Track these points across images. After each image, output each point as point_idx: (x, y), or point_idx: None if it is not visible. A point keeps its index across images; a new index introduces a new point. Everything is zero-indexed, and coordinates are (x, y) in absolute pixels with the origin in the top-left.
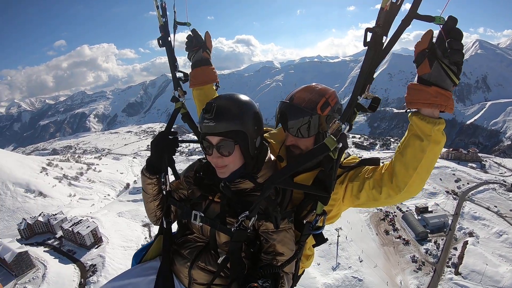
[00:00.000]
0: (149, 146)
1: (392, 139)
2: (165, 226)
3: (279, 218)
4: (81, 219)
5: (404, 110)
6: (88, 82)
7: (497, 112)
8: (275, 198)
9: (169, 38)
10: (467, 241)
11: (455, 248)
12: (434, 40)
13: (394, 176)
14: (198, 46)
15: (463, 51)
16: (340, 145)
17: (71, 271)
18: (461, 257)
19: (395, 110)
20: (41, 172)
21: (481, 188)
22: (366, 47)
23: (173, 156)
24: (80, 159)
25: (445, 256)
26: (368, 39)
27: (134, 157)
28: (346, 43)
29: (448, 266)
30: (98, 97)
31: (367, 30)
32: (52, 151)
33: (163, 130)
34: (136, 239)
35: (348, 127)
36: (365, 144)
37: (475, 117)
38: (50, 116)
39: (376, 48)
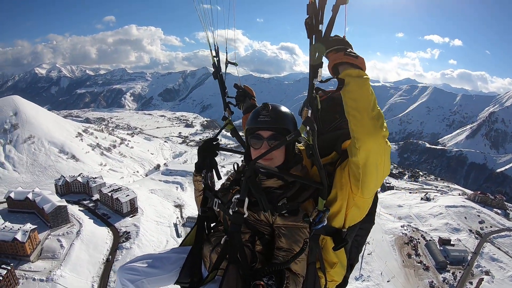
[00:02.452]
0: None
1: (421, 173)
2: (200, 213)
3: (265, 202)
4: (121, 187)
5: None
6: (130, 61)
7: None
8: (278, 195)
9: (220, 73)
10: (483, 278)
11: (471, 283)
12: None
13: (350, 131)
14: (245, 95)
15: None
16: (308, 128)
17: (104, 234)
18: None
19: (427, 145)
20: (76, 136)
21: (503, 233)
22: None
23: (215, 158)
24: (113, 132)
25: (461, 287)
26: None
27: (165, 141)
28: (389, 69)
29: None
30: (137, 77)
31: (305, 21)
32: (85, 120)
33: (209, 137)
34: (169, 216)
35: (310, 110)
36: (393, 172)
37: (506, 167)
38: (87, 86)
39: (313, 35)
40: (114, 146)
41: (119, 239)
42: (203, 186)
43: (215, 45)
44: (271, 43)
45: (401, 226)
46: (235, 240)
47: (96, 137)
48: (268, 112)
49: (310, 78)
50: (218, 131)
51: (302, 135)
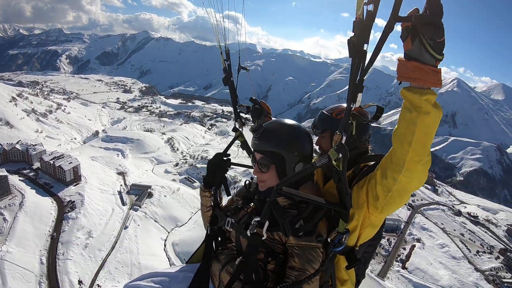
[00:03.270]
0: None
1: None
2: (208, 232)
3: (287, 226)
4: (63, 154)
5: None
6: (67, 20)
7: (457, 148)
8: (294, 216)
9: (231, 78)
10: (415, 245)
11: (404, 248)
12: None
13: (393, 155)
14: (261, 112)
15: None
16: (340, 155)
17: (48, 204)
18: (408, 256)
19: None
20: (10, 101)
21: (432, 206)
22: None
23: (226, 174)
24: (49, 97)
25: (395, 252)
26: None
27: (103, 107)
28: (331, 46)
29: (396, 261)
30: (74, 38)
31: (348, 40)
32: (17, 83)
33: (220, 152)
34: (112, 184)
35: (345, 137)
36: None
37: (436, 148)
38: (21, 47)
39: (357, 57)
40: (51, 112)
41: (64, 209)
42: (211, 203)
43: (226, 47)
44: (214, 11)
45: None
46: (252, 262)
47: (31, 102)
48: (258, 134)
49: (348, 101)
50: (228, 144)
51: (333, 161)
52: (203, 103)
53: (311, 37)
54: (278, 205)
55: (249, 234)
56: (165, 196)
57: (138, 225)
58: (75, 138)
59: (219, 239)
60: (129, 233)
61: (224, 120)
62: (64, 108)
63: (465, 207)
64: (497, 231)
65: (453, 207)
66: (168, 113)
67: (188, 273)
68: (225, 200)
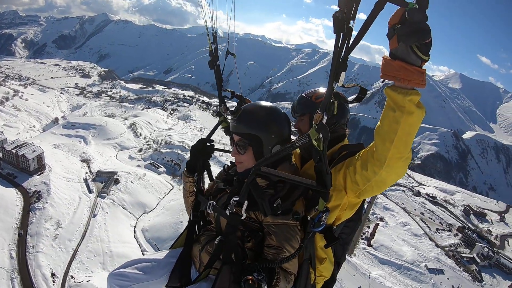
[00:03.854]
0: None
1: None
2: (191, 218)
3: (266, 206)
4: (25, 143)
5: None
6: (22, 2)
7: (416, 134)
8: (272, 195)
9: (217, 62)
10: (378, 223)
11: (368, 227)
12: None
13: (375, 151)
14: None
15: None
16: (321, 135)
17: (13, 195)
18: (373, 234)
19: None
20: None
21: (393, 187)
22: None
23: (209, 160)
24: (4, 83)
25: (360, 231)
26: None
27: (61, 93)
28: (293, 32)
29: (362, 239)
30: (30, 21)
31: (333, 15)
32: None
33: (204, 137)
34: (77, 172)
35: (326, 117)
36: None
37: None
38: None
39: (341, 34)
40: (7, 99)
41: (30, 199)
42: (194, 188)
43: (213, 30)
44: None
45: None
46: (231, 241)
47: None
48: (236, 116)
49: (330, 80)
50: (211, 130)
51: (314, 141)
52: (164, 87)
53: (273, 22)
54: (256, 185)
55: (228, 214)
56: (131, 182)
57: (107, 212)
58: (34, 126)
59: (201, 223)
60: (98, 221)
61: (185, 104)
62: (21, 95)
63: (424, 188)
64: (454, 210)
65: (413, 188)
66: (128, 98)
67: (171, 259)
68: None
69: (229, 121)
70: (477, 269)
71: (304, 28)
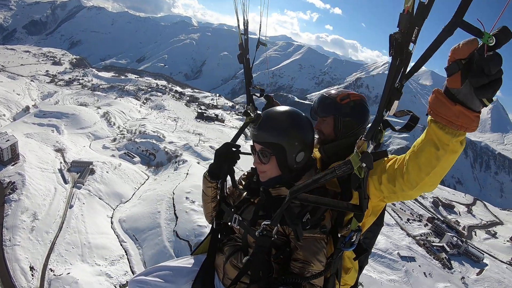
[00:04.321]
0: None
1: None
2: (214, 226)
3: (299, 231)
4: None
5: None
6: None
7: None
8: (300, 210)
9: (247, 56)
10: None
11: None
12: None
13: (406, 174)
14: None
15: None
16: (364, 165)
17: None
18: None
19: (296, 99)
20: None
21: None
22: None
23: (234, 166)
24: None
25: None
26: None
27: (31, 80)
28: (268, 23)
29: None
30: None
31: (391, 36)
32: None
33: (229, 141)
34: (52, 162)
35: (372, 146)
36: None
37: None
38: None
39: (399, 58)
40: None
41: (5, 191)
42: (217, 194)
43: (244, 19)
44: None
45: None
46: (260, 261)
47: None
48: (256, 125)
49: (380, 107)
50: (237, 132)
51: (356, 170)
52: (137, 76)
53: (248, 14)
54: (291, 211)
55: (257, 235)
56: (107, 172)
57: (83, 203)
58: (4, 115)
59: (224, 232)
60: (75, 213)
61: (159, 94)
62: None
63: None
64: (424, 202)
65: None
66: (101, 86)
67: (194, 266)
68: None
69: (251, 129)
70: (447, 257)
71: (279, 20)
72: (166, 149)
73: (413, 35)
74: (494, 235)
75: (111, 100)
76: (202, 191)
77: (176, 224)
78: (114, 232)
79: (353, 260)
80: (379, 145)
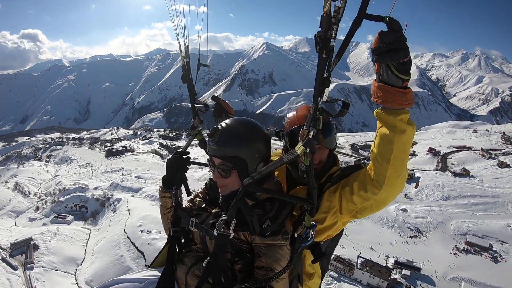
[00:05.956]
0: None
1: (199, 128)
2: (171, 233)
3: (255, 224)
4: None
5: None
6: None
7: (283, 102)
8: (260, 216)
9: (190, 76)
10: None
11: None
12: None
13: (373, 171)
14: (222, 112)
15: (257, 53)
16: (308, 150)
17: None
18: None
19: (190, 105)
20: None
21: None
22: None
23: (186, 173)
24: None
25: None
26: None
27: None
28: (138, 42)
29: None
30: None
31: (316, 35)
32: None
33: (179, 150)
34: None
35: (312, 132)
36: (171, 135)
37: (264, 107)
38: None
39: (324, 53)
40: None
41: None
42: (172, 203)
43: (185, 45)
44: (10, 33)
45: None
46: (220, 262)
47: None
48: (215, 138)
49: (314, 96)
50: (186, 143)
51: (301, 156)
52: (28, 138)
53: (116, 38)
54: (245, 203)
55: (215, 234)
56: (50, 241)
57: (44, 281)
58: None
59: (182, 241)
60: None
61: (58, 147)
62: None
63: None
64: (345, 151)
65: None
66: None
67: (152, 278)
68: (185, 201)
69: (208, 144)
70: None
71: (149, 35)
72: (95, 196)
73: (333, 33)
74: (413, 154)
75: (14, 170)
76: (160, 205)
77: (145, 259)
78: None
79: (311, 263)
80: (319, 131)
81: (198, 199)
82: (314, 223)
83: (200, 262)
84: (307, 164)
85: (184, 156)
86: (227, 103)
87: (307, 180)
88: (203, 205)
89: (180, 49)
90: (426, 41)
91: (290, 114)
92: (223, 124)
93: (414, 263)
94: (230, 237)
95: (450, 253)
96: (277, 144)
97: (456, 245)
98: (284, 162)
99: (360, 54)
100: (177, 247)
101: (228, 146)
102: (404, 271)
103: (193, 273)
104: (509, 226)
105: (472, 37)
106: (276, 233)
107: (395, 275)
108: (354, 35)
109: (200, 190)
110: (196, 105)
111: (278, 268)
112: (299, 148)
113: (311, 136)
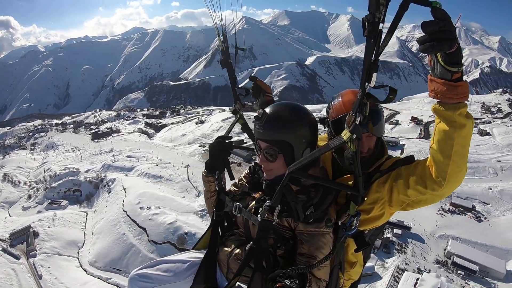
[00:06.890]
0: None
1: (178, 107)
2: (214, 217)
3: (300, 210)
4: None
5: None
6: None
7: (264, 75)
8: (304, 203)
9: (229, 60)
10: None
11: None
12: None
13: (433, 169)
14: (260, 92)
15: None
16: (354, 136)
17: None
18: None
19: (171, 83)
20: None
21: None
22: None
23: (228, 158)
24: None
25: None
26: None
27: None
28: (114, 22)
29: None
30: None
31: (363, 19)
32: None
33: (221, 135)
34: None
35: (359, 118)
36: (155, 114)
37: (246, 81)
38: None
39: (372, 37)
40: None
41: None
42: (216, 187)
43: (222, 29)
44: None
45: None
46: (262, 248)
47: None
48: (262, 122)
49: (362, 81)
50: (229, 127)
51: (347, 142)
52: (9, 128)
53: (91, 19)
54: (290, 189)
55: (259, 219)
56: (49, 227)
57: (49, 267)
58: None
59: (225, 224)
60: (48, 280)
61: (42, 134)
62: None
63: None
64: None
65: None
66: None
67: (195, 260)
68: (228, 185)
69: (255, 127)
70: None
71: (125, 14)
72: (88, 179)
73: (381, 16)
74: (397, 123)
75: (0, 162)
76: (203, 190)
77: (148, 235)
78: (93, 276)
79: (354, 252)
80: (366, 118)
81: (241, 182)
82: (358, 211)
83: (242, 247)
84: (353, 151)
85: (227, 141)
86: (264, 83)
87: (353, 167)
88: (247, 190)
89: (218, 35)
90: (406, 13)
91: (336, 101)
92: (270, 108)
93: (404, 223)
94: (273, 223)
95: (437, 213)
96: (321, 130)
97: (442, 206)
98: (330, 148)
99: (340, 26)
100: (220, 231)
101: (275, 130)
102: (395, 230)
103: (235, 257)
104: (490, 189)
105: (453, 8)
106: (319, 220)
107: (388, 234)
108: (401, 18)
109: (244, 174)
110: (236, 90)
111: (320, 256)
112: (345, 134)
113: (357, 122)
